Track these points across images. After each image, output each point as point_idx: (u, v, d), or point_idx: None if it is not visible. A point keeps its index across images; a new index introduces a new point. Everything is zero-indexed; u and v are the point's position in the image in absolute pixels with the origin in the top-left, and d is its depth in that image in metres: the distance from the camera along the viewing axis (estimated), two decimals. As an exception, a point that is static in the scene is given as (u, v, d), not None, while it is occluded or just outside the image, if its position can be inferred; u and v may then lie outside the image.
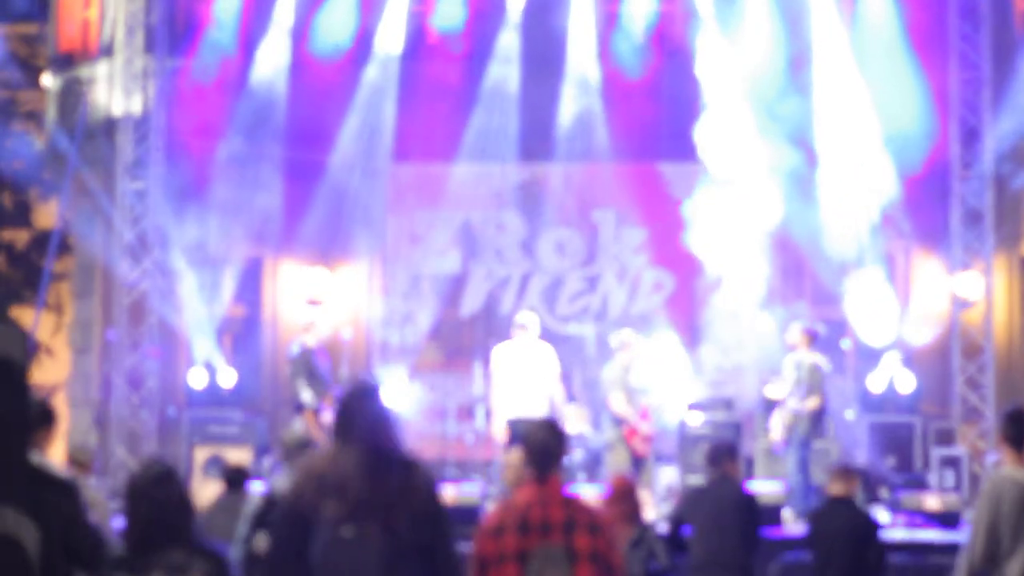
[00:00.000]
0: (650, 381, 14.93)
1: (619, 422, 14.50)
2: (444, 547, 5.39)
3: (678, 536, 9.99)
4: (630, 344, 14.91)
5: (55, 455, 6.15)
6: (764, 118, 17.22)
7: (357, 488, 5.26)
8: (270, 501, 8.63)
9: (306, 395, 14.59)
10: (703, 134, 17.56)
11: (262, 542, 8.60)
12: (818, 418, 14.38)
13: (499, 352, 15.25)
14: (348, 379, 5.38)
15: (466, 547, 6.08)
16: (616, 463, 14.46)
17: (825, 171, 17.74)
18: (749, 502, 10.15)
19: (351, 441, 5.39)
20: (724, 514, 9.90)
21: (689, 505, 10.26)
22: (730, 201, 17.36)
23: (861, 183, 17.77)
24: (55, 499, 5.50)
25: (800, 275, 18.91)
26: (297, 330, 16.09)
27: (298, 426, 14.53)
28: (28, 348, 5.43)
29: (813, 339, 14.52)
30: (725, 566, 9.83)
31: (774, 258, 17.97)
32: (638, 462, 14.52)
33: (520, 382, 14.78)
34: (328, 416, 14.50)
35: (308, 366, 14.79)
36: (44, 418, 6.34)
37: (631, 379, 14.60)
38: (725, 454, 10.25)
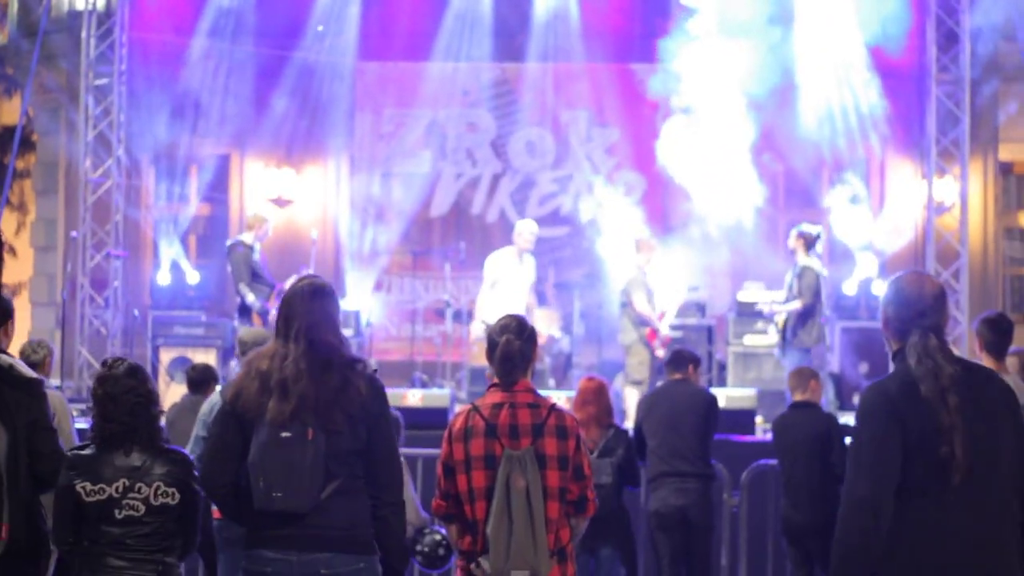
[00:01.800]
0: (664, 283, 14.73)
1: (642, 323, 14.30)
2: (384, 448, 5.24)
3: (642, 442, 9.80)
4: (648, 245, 14.68)
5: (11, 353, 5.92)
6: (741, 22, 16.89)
7: (299, 388, 5.11)
8: None
9: (251, 297, 14.22)
10: (674, 44, 17.19)
11: None
12: (799, 321, 14.11)
13: (496, 259, 15.00)
14: (295, 277, 5.28)
15: (434, 451, 5.94)
16: (636, 364, 14.27)
17: (803, 71, 17.51)
18: (707, 401, 9.97)
19: (293, 339, 5.22)
20: (680, 414, 9.73)
21: (645, 408, 10.07)
22: (706, 117, 17.04)
23: (839, 85, 17.58)
24: (21, 399, 5.41)
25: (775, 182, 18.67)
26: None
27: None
28: None
29: (808, 242, 14.24)
30: (683, 472, 9.66)
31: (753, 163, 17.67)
32: (656, 364, 14.30)
33: (510, 291, 14.60)
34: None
35: (249, 266, 14.37)
36: (1, 315, 6.10)
37: (648, 281, 14.40)
38: (687, 359, 10.07)
